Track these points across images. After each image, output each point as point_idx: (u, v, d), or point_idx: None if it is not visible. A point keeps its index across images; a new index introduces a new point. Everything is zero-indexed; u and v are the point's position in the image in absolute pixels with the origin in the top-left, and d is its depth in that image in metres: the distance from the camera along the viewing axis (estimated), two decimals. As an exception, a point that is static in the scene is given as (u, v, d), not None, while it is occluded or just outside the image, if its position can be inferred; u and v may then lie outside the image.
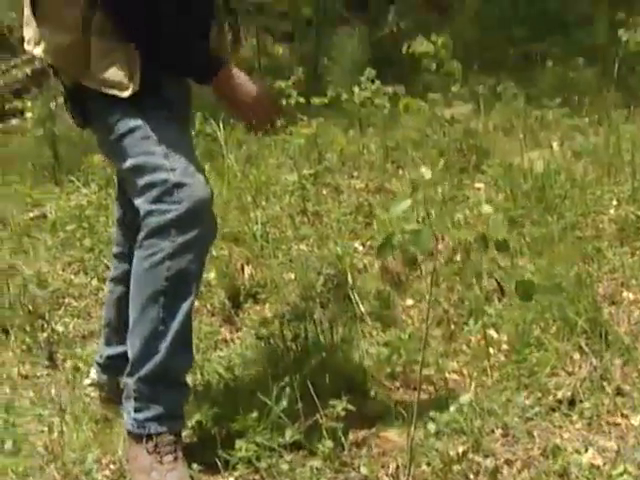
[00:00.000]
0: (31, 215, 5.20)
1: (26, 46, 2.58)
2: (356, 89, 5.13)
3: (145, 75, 2.40)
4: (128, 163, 2.42)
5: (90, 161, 5.43)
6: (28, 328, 3.72)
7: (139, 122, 2.41)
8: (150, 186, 2.36)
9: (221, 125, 5.09)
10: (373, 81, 5.13)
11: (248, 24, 8.32)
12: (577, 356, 2.96)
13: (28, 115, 7.46)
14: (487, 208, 2.90)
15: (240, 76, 2.46)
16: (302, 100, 5.21)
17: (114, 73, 2.39)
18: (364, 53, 5.56)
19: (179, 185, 2.34)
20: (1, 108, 8.18)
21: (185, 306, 2.41)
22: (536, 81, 6.31)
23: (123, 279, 2.75)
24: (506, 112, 5.40)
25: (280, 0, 9.51)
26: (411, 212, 2.98)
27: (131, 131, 2.41)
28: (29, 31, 2.55)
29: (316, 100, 5.25)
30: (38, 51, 2.53)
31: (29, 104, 6.94)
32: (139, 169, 2.39)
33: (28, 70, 8.46)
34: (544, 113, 5.40)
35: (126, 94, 2.39)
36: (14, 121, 8.17)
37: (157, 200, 2.34)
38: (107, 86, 2.40)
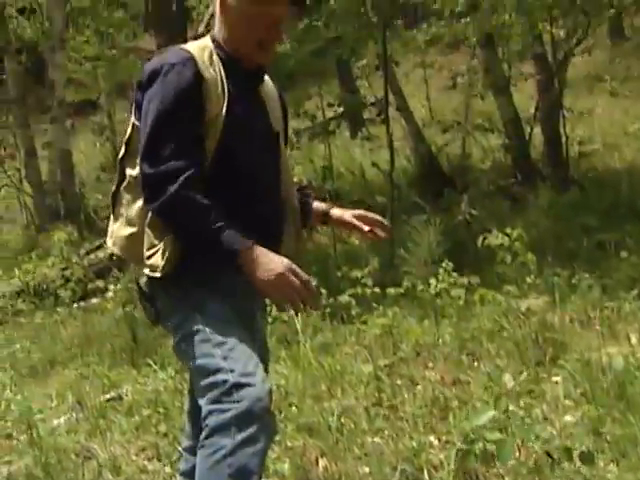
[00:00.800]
0: (107, 397, 5.26)
1: (107, 239, 2.81)
2: (432, 280, 5.19)
3: (199, 269, 2.56)
4: (191, 364, 2.56)
5: (167, 345, 5.52)
6: (100, 515, 3.70)
7: (199, 325, 2.54)
8: (210, 387, 2.47)
9: (298, 313, 5.15)
10: (449, 273, 5.20)
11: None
12: None
13: (109, 295, 7.71)
14: (569, 418, 2.84)
15: (263, 256, 2.49)
16: (377, 290, 5.29)
17: (156, 259, 2.57)
18: (439, 244, 5.68)
19: (238, 385, 2.43)
20: (84, 288, 8.43)
21: None
22: (611, 271, 6.29)
23: (192, 474, 2.75)
24: (582, 304, 5.37)
25: (355, 188, 9.85)
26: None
27: (192, 334, 2.55)
28: (110, 226, 2.79)
29: (392, 290, 5.32)
30: (109, 243, 2.76)
31: (111, 286, 7.16)
32: (201, 370, 2.52)
33: (110, 252, 8.78)
34: (621, 305, 5.36)
35: (160, 274, 2.55)
36: (94, 300, 8.41)
37: (217, 401, 2.44)
38: (151, 270, 2.59)
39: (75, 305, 8.19)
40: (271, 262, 2.49)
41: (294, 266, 2.50)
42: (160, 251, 2.57)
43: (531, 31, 9.83)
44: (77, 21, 16.16)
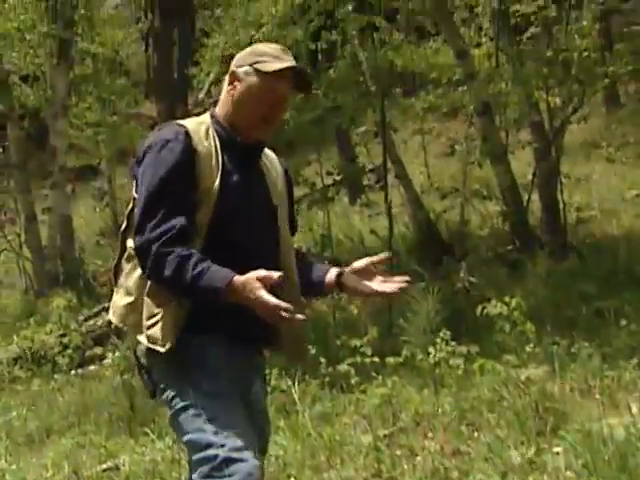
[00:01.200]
0: (104, 467, 5.21)
1: (109, 310, 2.84)
2: (431, 349, 5.18)
3: (196, 342, 2.60)
4: (184, 438, 2.60)
5: (165, 414, 5.46)
6: None
7: (191, 400, 2.58)
8: (202, 462, 2.51)
9: (296, 382, 5.14)
10: (447, 342, 5.19)
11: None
12: None
13: (107, 362, 7.67)
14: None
15: (240, 291, 2.47)
16: (377, 359, 5.27)
17: (157, 330, 2.60)
18: (438, 313, 5.69)
19: (228, 460, 2.47)
20: (82, 355, 8.39)
21: None
22: (611, 340, 6.27)
23: None
24: (582, 373, 5.35)
25: (354, 255, 9.84)
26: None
27: (185, 409, 2.59)
28: (113, 297, 2.81)
29: (391, 360, 5.31)
30: (110, 313, 2.79)
31: (109, 353, 7.13)
32: (193, 445, 2.56)
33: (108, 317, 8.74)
34: (621, 374, 5.33)
35: (162, 349, 2.58)
36: (92, 367, 8.37)
37: (208, 475, 2.49)
38: (151, 342, 2.62)
39: (73, 372, 8.15)
40: (247, 297, 2.47)
41: (263, 295, 2.44)
42: (160, 322, 2.59)
43: (527, 100, 9.96)
44: (80, 88, 16.36)
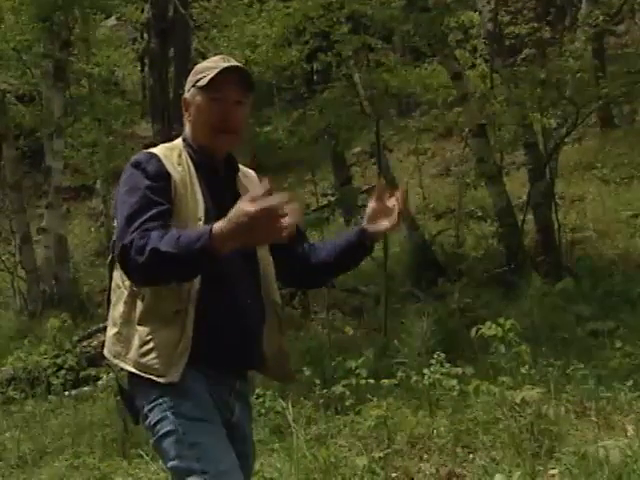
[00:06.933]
0: (98, 489, 5.18)
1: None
2: (426, 371, 5.17)
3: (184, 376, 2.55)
4: (168, 464, 2.57)
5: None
6: None
7: (173, 426, 2.54)
8: None
9: (290, 403, 5.12)
10: (442, 363, 5.18)
11: (317, 298, 8.56)
12: None
13: (101, 383, 7.64)
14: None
15: (225, 229, 2.32)
16: (372, 381, 5.26)
17: (152, 359, 2.56)
18: (433, 334, 5.68)
19: None
20: (76, 376, 8.35)
21: None
22: (606, 361, 6.27)
23: None
24: (577, 394, 5.34)
25: (349, 276, 9.84)
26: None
27: (167, 435, 2.55)
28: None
29: (386, 381, 5.30)
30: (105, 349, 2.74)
31: (104, 375, 7.10)
32: (176, 471, 2.54)
33: (103, 338, 8.70)
34: (616, 395, 5.33)
35: (162, 380, 2.54)
36: (86, 388, 8.33)
37: None
38: (145, 371, 2.57)
39: (67, 393, 8.11)
40: (234, 228, 2.30)
41: (246, 209, 2.27)
42: (155, 351, 2.56)
43: (522, 121, 9.99)
44: (75, 108, 16.36)
